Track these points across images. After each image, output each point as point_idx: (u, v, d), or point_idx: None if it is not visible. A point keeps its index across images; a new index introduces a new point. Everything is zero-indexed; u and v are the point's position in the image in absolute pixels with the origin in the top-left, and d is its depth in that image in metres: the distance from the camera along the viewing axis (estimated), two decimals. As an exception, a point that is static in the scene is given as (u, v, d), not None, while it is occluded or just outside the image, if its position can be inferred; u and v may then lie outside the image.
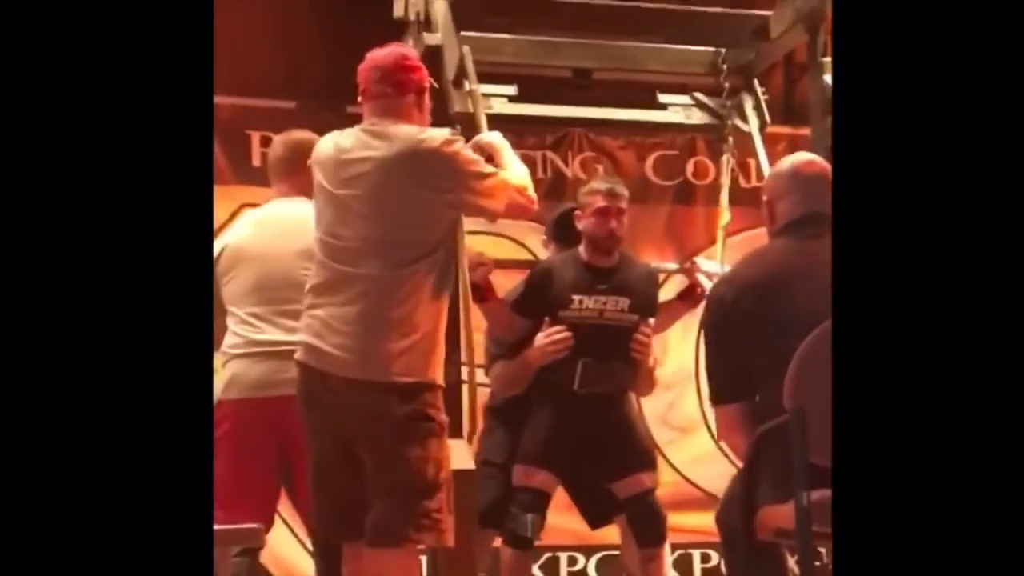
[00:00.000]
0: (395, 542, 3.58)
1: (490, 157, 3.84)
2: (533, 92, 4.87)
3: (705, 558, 5.94)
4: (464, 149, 3.71)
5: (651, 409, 5.11)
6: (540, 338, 4.63)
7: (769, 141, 5.21)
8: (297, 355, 3.71)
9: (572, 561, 5.97)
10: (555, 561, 5.91)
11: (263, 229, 4.28)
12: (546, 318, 4.66)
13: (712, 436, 5.98)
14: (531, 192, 3.83)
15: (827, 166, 3.74)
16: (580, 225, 4.75)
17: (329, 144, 3.79)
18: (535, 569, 5.76)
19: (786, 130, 6.21)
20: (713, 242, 5.62)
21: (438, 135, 3.70)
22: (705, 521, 5.51)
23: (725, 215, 5.03)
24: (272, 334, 4.10)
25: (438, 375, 3.68)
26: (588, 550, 5.89)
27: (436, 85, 3.96)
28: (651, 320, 4.81)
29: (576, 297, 4.68)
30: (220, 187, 5.53)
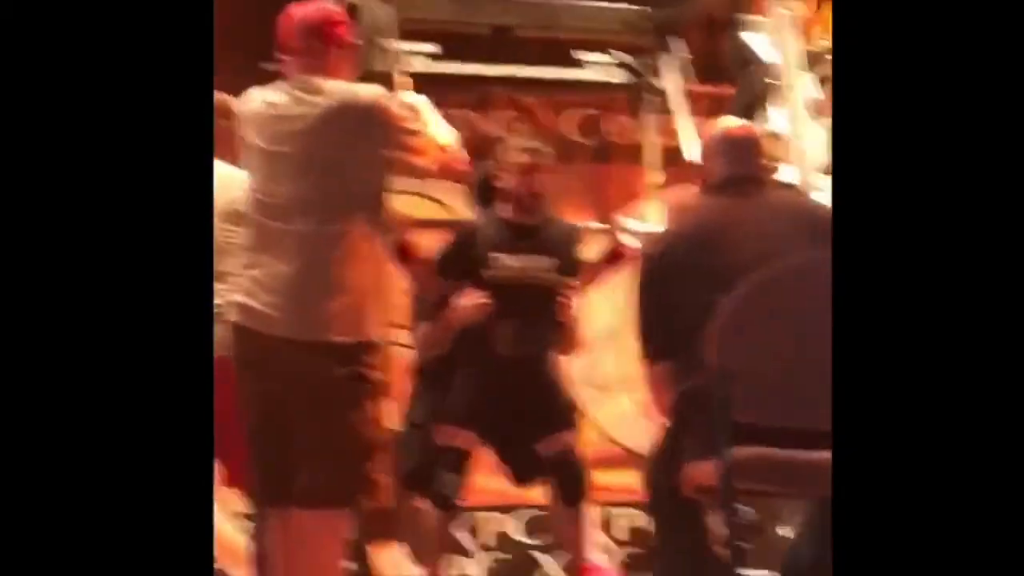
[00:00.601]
0: (331, 503, 3.55)
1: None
2: (454, 50, 4.84)
3: (629, 517, 5.94)
4: (397, 105, 3.67)
5: (572, 369, 5.10)
6: (460, 298, 4.62)
7: (691, 100, 5.21)
8: (231, 316, 3.65)
9: (496, 521, 5.96)
10: (479, 521, 5.89)
11: None
12: (468, 282, 4.64)
13: (632, 395, 5.99)
14: (461, 152, 3.80)
15: (756, 131, 3.81)
16: (500, 183, 4.73)
17: (257, 100, 3.73)
18: (460, 532, 5.73)
19: (708, 89, 6.20)
20: (632, 199, 5.63)
21: (372, 91, 3.66)
22: (629, 479, 5.54)
23: (655, 174, 5.03)
24: None
25: (375, 333, 3.64)
26: (512, 510, 5.88)
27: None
28: (574, 279, 4.80)
29: (498, 256, 4.66)
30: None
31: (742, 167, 3.65)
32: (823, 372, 3.06)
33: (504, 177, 4.71)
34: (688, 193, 5.35)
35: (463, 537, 5.78)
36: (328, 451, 3.53)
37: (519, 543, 5.96)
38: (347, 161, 3.62)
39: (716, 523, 3.52)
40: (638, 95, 5.05)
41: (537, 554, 5.96)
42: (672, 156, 5.71)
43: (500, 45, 4.84)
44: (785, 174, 4.66)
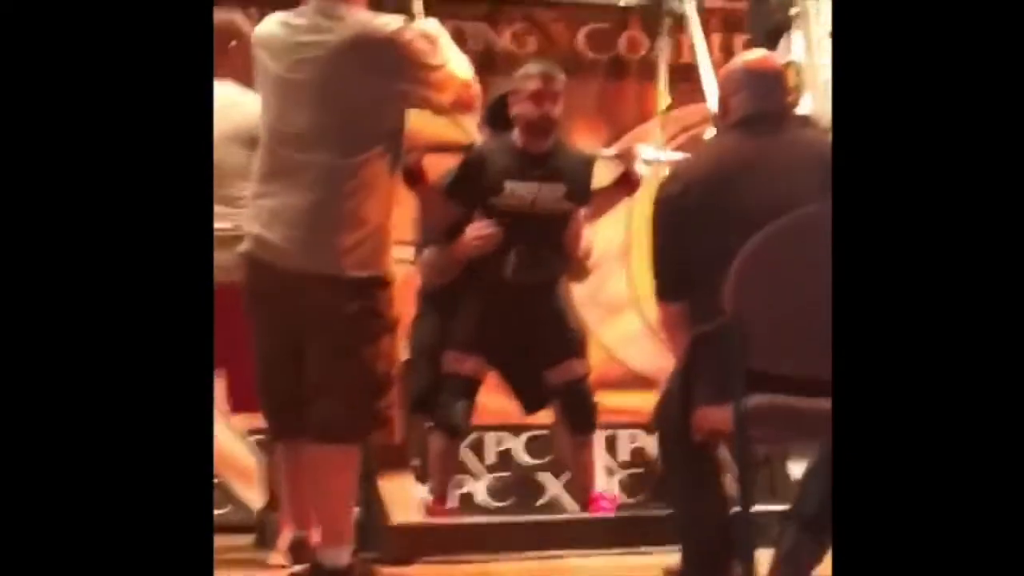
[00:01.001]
0: (344, 438, 3.54)
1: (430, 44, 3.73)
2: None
3: (632, 438, 5.96)
4: (418, 38, 3.60)
5: (580, 288, 5.08)
6: (469, 231, 4.58)
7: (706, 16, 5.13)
8: (243, 246, 3.61)
9: (499, 441, 5.97)
10: (482, 441, 5.91)
11: None
12: (478, 208, 4.59)
13: (641, 316, 5.98)
14: (476, 87, 3.74)
15: (779, 63, 3.73)
16: (514, 110, 4.66)
17: (275, 25, 3.67)
18: (464, 449, 5.75)
19: (719, 3, 6.12)
20: (646, 118, 5.57)
21: (392, 22, 3.61)
22: (633, 401, 5.56)
23: (664, 99, 4.97)
24: None
25: (389, 268, 3.61)
26: (516, 430, 5.89)
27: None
28: (585, 207, 4.76)
29: (509, 184, 4.61)
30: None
31: (764, 103, 3.56)
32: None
33: (517, 103, 4.64)
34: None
35: (467, 456, 5.79)
36: (341, 386, 3.52)
37: (522, 464, 5.97)
38: (365, 93, 3.57)
39: (728, 464, 3.52)
40: (655, 17, 4.97)
41: (541, 474, 5.97)
42: (686, 72, 5.63)
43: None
44: (803, 104, 4.59)
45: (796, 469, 4.32)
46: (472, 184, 4.61)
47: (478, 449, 5.91)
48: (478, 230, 4.57)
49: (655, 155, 4.82)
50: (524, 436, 5.93)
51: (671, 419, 3.49)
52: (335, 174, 3.53)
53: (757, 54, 3.73)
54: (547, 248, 4.64)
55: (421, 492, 4.58)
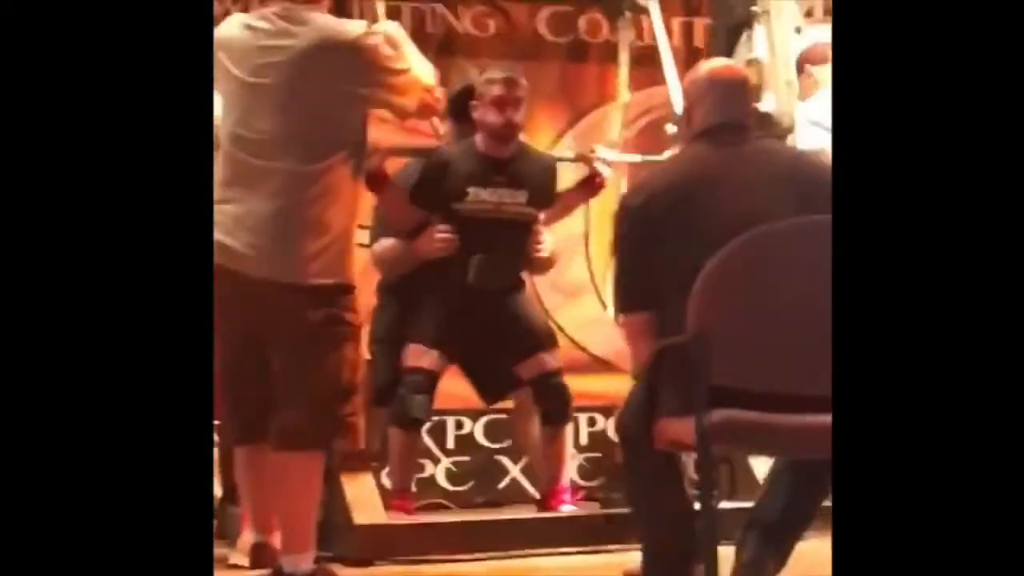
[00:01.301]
0: (307, 445, 3.54)
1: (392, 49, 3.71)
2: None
3: (591, 422, 5.97)
4: (382, 43, 3.58)
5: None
6: (430, 233, 4.60)
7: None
8: None
9: (459, 425, 5.98)
10: (442, 425, 5.91)
11: None
12: (440, 212, 4.59)
13: (600, 300, 5.98)
14: (438, 92, 3.73)
15: (744, 72, 3.72)
16: (476, 115, 4.67)
17: (237, 28, 3.63)
18: (423, 434, 5.76)
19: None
20: (606, 101, 5.57)
21: (356, 27, 3.61)
22: (592, 385, 5.58)
23: (624, 94, 4.97)
24: None
25: (352, 275, 3.61)
26: (475, 414, 5.90)
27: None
28: (547, 211, 4.78)
29: (472, 190, 4.63)
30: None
31: (728, 113, 3.55)
32: (804, 336, 3.09)
33: (479, 108, 4.65)
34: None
35: (426, 440, 5.80)
36: (304, 393, 3.53)
37: (482, 447, 5.99)
38: (329, 98, 3.56)
39: (690, 473, 3.54)
40: (616, 8, 4.96)
41: (502, 458, 5.99)
42: (647, 54, 5.61)
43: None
44: (765, 102, 4.59)
45: (759, 465, 4.35)
46: (435, 189, 4.62)
47: (438, 433, 5.91)
48: (439, 232, 4.58)
49: (614, 156, 4.82)
50: (483, 420, 5.94)
51: (633, 427, 3.50)
52: (298, 181, 3.52)
53: (721, 63, 3.72)
54: (509, 254, 4.67)
55: (383, 482, 4.60)
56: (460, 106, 4.81)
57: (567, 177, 4.95)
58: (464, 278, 4.59)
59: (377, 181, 4.41)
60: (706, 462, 3.27)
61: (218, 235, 3.54)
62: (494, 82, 4.65)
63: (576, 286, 6.05)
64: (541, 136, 6.26)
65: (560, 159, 5.03)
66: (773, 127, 4.56)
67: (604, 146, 4.97)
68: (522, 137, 4.79)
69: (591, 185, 4.87)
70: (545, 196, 4.75)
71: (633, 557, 3.60)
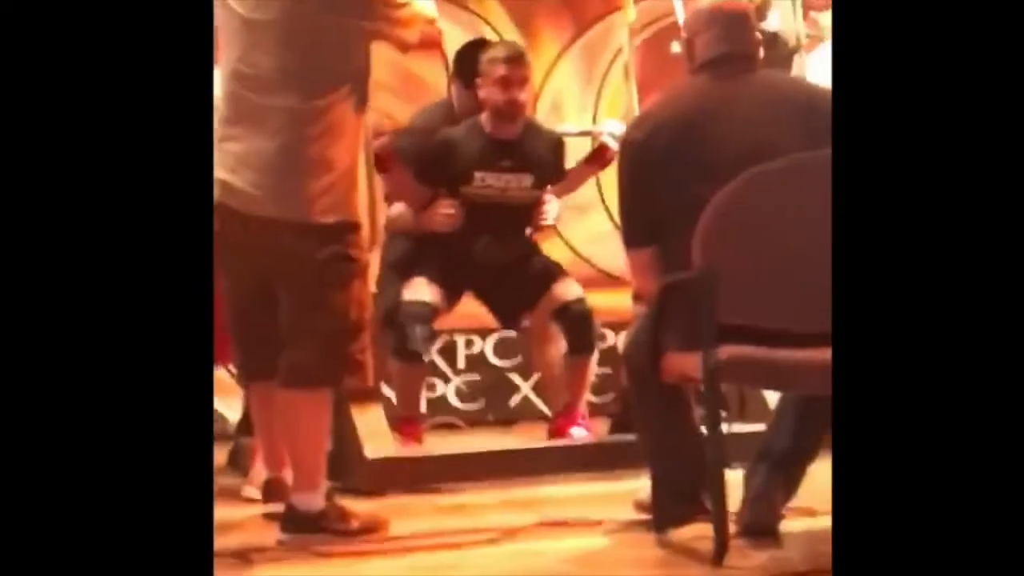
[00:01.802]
0: (316, 383, 3.55)
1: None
2: None
3: (601, 337, 5.96)
4: None
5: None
6: (435, 208, 4.66)
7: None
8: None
9: (469, 344, 5.99)
10: (452, 344, 5.92)
11: None
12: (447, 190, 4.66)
13: (609, 215, 5.95)
14: (438, 23, 3.69)
15: (748, 5, 3.68)
16: (481, 94, 4.66)
17: None
18: (434, 354, 5.77)
19: None
20: (611, 11, 5.51)
21: None
22: (601, 300, 5.54)
23: (631, 11, 4.92)
24: None
25: (359, 212, 3.59)
26: (485, 332, 5.90)
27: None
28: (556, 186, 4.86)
29: (479, 174, 4.67)
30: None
31: (732, 44, 3.52)
32: (809, 273, 3.08)
33: (483, 87, 4.64)
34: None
35: (437, 359, 5.81)
36: (312, 331, 3.52)
37: (493, 365, 6.00)
38: (330, 32, 3.52)
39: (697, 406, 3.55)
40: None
41: (513, 375, 6.01)
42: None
43: None
44: (771, 21, 4.53)
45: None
46: (441, 170, 4.65)
47: (448, 352, 5.92)
48: (444, 208, 4.65)
49: (622, 129, 4.80)
50: (493, 338, 5.93)
51: (640, 358, 3.51)
52: (300, 117, 3.49)
53: (725, -8, 3.66)
54: (515, 232, 4.76)
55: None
56: (466, 63, 4.82)
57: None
58: (470, 255, 4.67)
59: (384, 164, 4.45)
60: (713, 398, 3.29)
61: (221, 174, 3.52)
62: (496, 61, 4.63)
63: (584, 201, 5.99)
64: (546, 51, 6.20)
65: (567, 134, 5.05)
66: (780, 47, 4.51)
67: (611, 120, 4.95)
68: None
69: (600, 159, 4.89)
70: (552, 173, 4.80)
71: (644, 485, 3.62)
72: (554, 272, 4.82)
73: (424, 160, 4.68)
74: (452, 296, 4.75)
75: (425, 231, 4.70)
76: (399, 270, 4.73)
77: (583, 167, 4.99)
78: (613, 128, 4.85)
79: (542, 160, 4.75)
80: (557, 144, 4.86)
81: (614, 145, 4.72)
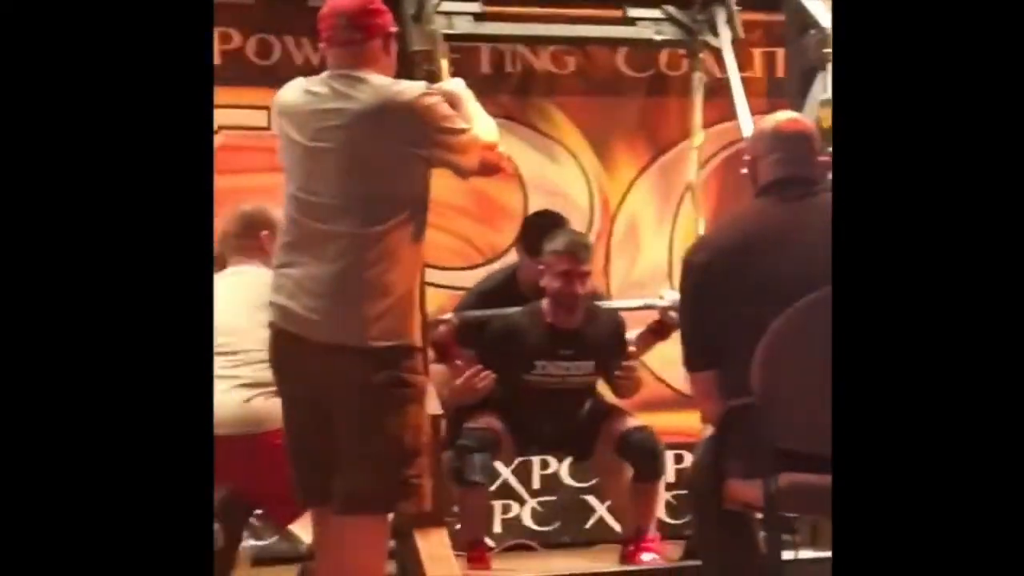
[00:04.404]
0: (371, 509, 3.53)
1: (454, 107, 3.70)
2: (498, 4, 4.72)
3: (678, 459, 5.89)
4: (440, 103, 3.57)
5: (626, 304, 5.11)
6: (466, 377, 4.63)
7: (744, 29, 5.04)
8: (269, 317, 3.61)
9: (544, 464, 5.96)
10: (527, 465, 5.89)
11: (220, 293, 4.32)
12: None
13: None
14: (501, 149, 3.70)
15: (810, 125, 3.69)
16: (543, 282, 4.69)
17: (297, 92, 3.64)
18: (508, 473, 5.73)
19: (760, 17, 6.02)
20: (685, 136, 5.51)
21: (414, 88, 3.58)
22: (678, 421, 5.52)
23: (699, 135, 4.92)
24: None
25: (416, 337, 3.59)
26: (560, 454, 5.85)
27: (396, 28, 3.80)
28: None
29: (540, 363, 4.70)
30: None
31: (794, 168, 3.52)
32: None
33: (546, 276, 4.67)
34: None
35: (512, 481, 5.79)
36: (368, 457, 3.50)
37: (568, 486, 5.95)
38: (388, 160, 3.54)
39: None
40: (690, 52, 4.91)
41: (588, 497, 5.96)
42: (726, 88, 5.53)
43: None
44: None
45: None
46: (503, 358, 4.67)
47: (523, 473, 5.89)
48: (478, 377, 4.62)
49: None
50: (569, 459, 5.90)
51: (703, 484, 3.48)
52: (359, 243, 3.51)
53: (786, 116, 3.67)
54: (572, 415, 4.79)
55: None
56: (533, 230, 4.87)
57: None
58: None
59: (445, 352, 4.54)
60: (774, 526, 3.24)
61: (281, 298, 3.55)
62: (559, 255, 4.65)
63: (662, 321, 5.97)
64: (622, 173, 6.22)
65: (627, 308, 5.04)
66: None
67: (670, 290, 4.94)
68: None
69: (660, 331, 4.87)
70: (613, 355, 4.79)
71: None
72: (609, 408, 4.83)
73: (486, 347, 4.69)
74: (518, 444, 4.80)
75: (461, 401, 4.68)
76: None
77: (645, 339, 4.96)
78: (674, 298, 4.82)
79: (603, 344, 4.78)
80: (618, 325, 4.87)
81: (674, 316, 4.70)
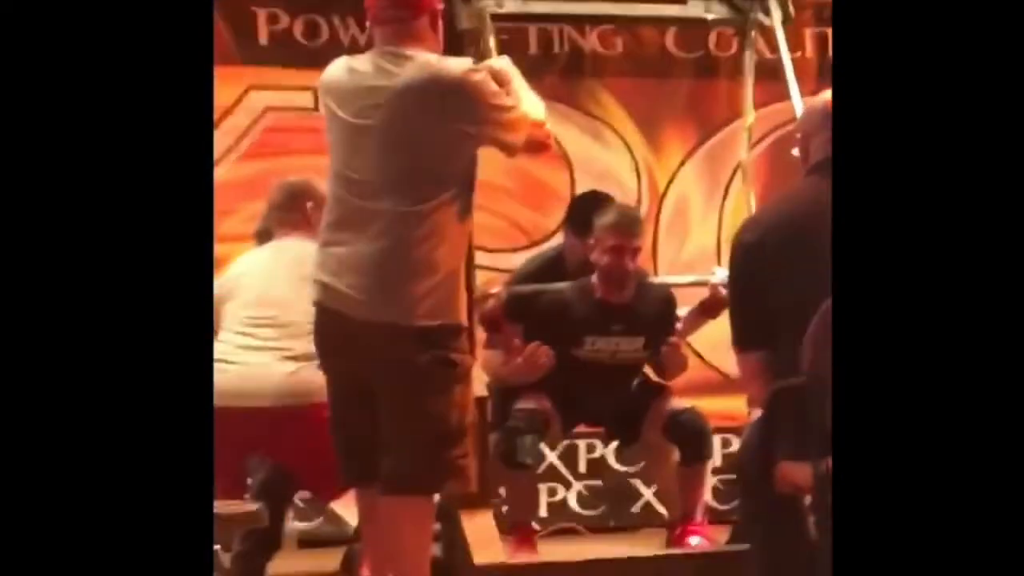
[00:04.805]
0: (416, 490, 3.51)
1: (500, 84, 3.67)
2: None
3: (725, 443, 5.86)
4: (486, 79, 3.53)
5: (675, 290, 5.06)
6: (527, 356, 4.61)
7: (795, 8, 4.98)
8: (313, 296, 3.59)
9: (591, 448, 5.93)
10: (573, 449, 5.87)
11: (266, 265, 4.33)
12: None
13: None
14: (548, 127, 3.67)
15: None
16: (593, 257, 4.66)
17: (341, 70, 3.62)
18: (554, 457, 5.71)
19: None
20: (734, 118, 5.48)
21: (460, 64, 3.55)
22: (726, 405, 5.48)
23: (750, 115, 4.87)
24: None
25: (462, 316, 3.57)
26: (606, 437, 5.82)
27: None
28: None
29: (589, 338, 4.66)
30: (225, 68, 5.36)
31: (846, 146, 3.47)
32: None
33: (596, 251, 4.64)
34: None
35: (558, 464, 5.77)
36: (413, 437, 3.49)
37: (615, 470, 5.93)
38: (434, 137, 3.51)
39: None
40: (740, 31, 4.87)
41: (635, 481, 5.93)
42: (776, 68, 5.47)
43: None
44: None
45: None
46: (552, 331, 4.63)
47: (570, 457, 5.87)
48: (540, 355, 4.60)
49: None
50: (615, 444, 5.87)
51: (751, 467, 3.43)
52: (404, 221, 3.48)
53: (840, 93, 3.60)
54: (621, 390, 4.76)
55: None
56: (579, 212, 4.84)
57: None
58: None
59: (494, 326, 4.51)
60: (823, 509, 3.19)
61: (324, 276, 3.54)
62: (610, 228, 4.61)
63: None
64: (670, 156, 6.18)
65: (678, 285, 5.02)
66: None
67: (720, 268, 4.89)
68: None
69: (712, 308, 4.80)
70: (663, 331, 4.75)
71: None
72: (657, 387, 4.80)
73: (535, 321, 4.65)
74: (566, 422, 4.75)
75: (517, 380, 4.64)
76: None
77: (695, 316, 4.92)
78: (726, 275, 4.78)
79: (653, 320, 4.73)
80: (668, 301, 4.83)
81: (724, 292, 4.66)
